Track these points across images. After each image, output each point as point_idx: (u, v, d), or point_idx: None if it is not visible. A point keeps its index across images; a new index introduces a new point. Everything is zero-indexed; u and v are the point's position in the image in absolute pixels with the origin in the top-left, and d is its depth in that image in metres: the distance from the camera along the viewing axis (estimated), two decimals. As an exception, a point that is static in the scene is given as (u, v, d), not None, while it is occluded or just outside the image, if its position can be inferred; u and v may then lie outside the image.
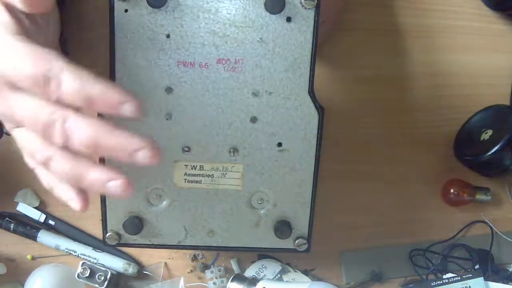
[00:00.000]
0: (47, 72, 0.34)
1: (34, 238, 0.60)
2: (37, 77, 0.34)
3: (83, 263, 0.57)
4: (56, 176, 0.39)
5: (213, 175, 0.48)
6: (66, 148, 0.36)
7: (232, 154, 0.48)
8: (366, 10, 0.61)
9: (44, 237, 0.60)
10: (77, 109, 0.35)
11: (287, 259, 0.62)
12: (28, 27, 0.38)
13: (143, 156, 0.36)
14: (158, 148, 0.36)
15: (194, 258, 0.61)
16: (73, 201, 0.41)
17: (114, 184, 0.37)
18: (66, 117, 0.35)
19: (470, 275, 0.59)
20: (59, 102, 0.35)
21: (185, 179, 0.48)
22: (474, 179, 0.63)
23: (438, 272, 0.62)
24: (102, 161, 0.46)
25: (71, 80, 0.34)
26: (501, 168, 0.60)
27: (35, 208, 0.60)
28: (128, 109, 0.35)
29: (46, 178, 0.41)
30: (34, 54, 0.35)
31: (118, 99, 0.35)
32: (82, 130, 0.35)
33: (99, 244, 0.60)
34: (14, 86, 0.35)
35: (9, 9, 0.37)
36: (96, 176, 0.37)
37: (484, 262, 0.62)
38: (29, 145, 0.38)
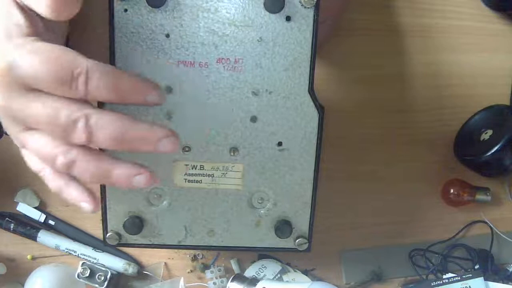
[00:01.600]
0: (73, 71, 0.34)
1: (34, 238, 0.60)
2: (62, 77, 0.34)
3: (83, 263, 0.57)
4: (80, 177, 0.38)
5: (213, 174, 0.48)
6: (87, 147, 0.36)
7: (232, 153, 0.48)
8: (366, 10, 0.61)
9: (44, 237, 0.60)
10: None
11: (287, 259, 0.62)
12: (41, 30, 0.38)
13: (167, 144, 0.36)
14: (177, 136, 0.37)
15: (194, 258, 0.61)
16: (85, 203, 0.40)
17: (140, 177, 0.37)
18: (89, 115, 0.35)
19: (470, 275, 0.59)
20: (80, 101, 0.35)
21: (186, 179, 0.48)
22: (474, 179, 0.63)
23: (438, 272, 0.62)
24: None
25: (100, 76, 0.34)
26: (501, 168, 0.60)
27: (35, 208, 0.60)
28: (155, 95, 0.36)
29: (53, 182, 0.40)
30: (57, 54, 0.34)
31: (146, 88, 0.36)
32: (107, 126, 0.35)
33: (99, 244, 0.60)
34: (30, 88, 0.35)
35: (24, 11, 0.37)
36: (122, 171, 0.37)
37: (484, 262, 0.62)
38: (44, 149, 0.37)
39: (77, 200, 0.40)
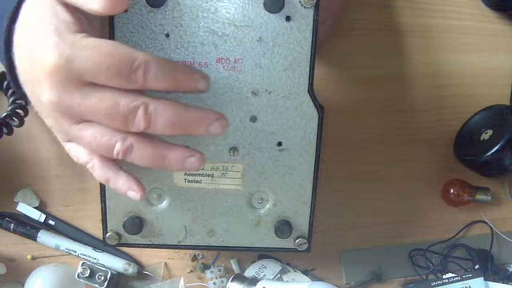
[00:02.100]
0: (132, 63, 0.35)
1: (34, 238, 0.60)
2: (121, 69, 0.35)
3: (83, 263, 0.57)
4: (137, 162, 0.39)
5: (213, 174, 0.48)
6: (141, 134, 0.38)
7: (232, 153, 0.47)
8: (366, 10, 0.61)
9: (44, 237, 0.60)
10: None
11: (287, 259, 0.62)
12: (86, 26, 0.38)
13: (218, 126, 0.39)
14: (226, 120, 0.40)
15: (194, 258, 0.61)
16: (132, 191, 0.42)
17: (192, 159, 0.40)
18: (148, 103, 0.36)
19: (470, 275, 0.59)
20: (135, 91, 0.36)
21: (185, 179, 0.48)
22: (474, 179, 0.63)
23: (438, 272, 0.62)
24: None
25: (158, 67, 0.36)
26: (501, 168, 0.60)
27: (35, 208, 0.60)
28: (204, 83, 0.38)
29: (102, 172, 0.41)
30: (113, 48, 0.35)
31: (198, 76, 0.38)
32: (165, 112, 0.37)
33: (99, 244, 0.60)
34: (86, 82, 0.36)
35: (69, 9, 0.37)
36: (177, 154, 0.39)
37: (484, 262, 0.62)
38: (101, 139, 0.38)
39: (125, 189, 0.42)
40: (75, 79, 0.36)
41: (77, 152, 0.41)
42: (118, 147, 0.38)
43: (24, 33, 0.38)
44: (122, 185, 0.42)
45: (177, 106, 0.38)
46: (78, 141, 0.40)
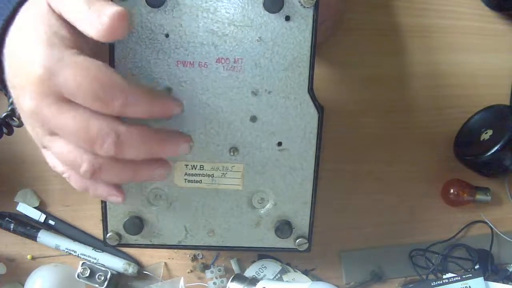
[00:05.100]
0: (113, 91, 0.35)
1: (34, 238, 0.60)
2: (101, 95, 0.35)
3: (83, 263, 0.57)
4: (107, 181, 0.40)
5: (213, 174, 0.48)
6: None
7: (232, 153, 0.47)
8: (366, 10, 0.61)
9: (44, 237, 0.60)
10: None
11: (287, 259, 0.62)
12: (82, 43, 0.38)
13: (187, 147, 0.42)
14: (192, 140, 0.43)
15: (194, 258, 0.61)
16: (113, 196, 0.42)
17: (159, 171, 0.41)
18: (119, 131, 0.36)
19: (470, 275, 0.59)
20: (111, 116, 0.36)
21: (186, 179, 0.48)
22: (474, 179, 0.63)
23: (438, 272, 0.62)
24: None
25: (138, 100, 0.36)
26: (501, 168, 0.60)
27: (35, 208, 0.60)
28: (178, 110, 0.41)
29: (79, 183, 0.42)
30: (99, 71, 0.35)
31: (173, 106, 0.40)
32: (135, 141, 0.37)
33: (99, 244, 0.60)
34: (64, 98, 0.36)
35: (65, 23, 0.37)
36: (145, 170, 0.40)
37: (484, 262, 0.62)
38: (68, 155, 0.38)
39: (105, 195, 0.42)
40: (56, 93, 0.36)
41: (52, 161, 0.42)
42: (84, 167, 0.38)
43: (16, 37, 0.38)
44: (102, 192, 0.42)
45: (149, 134, 0.38)
46: (50, 151, 0.40)
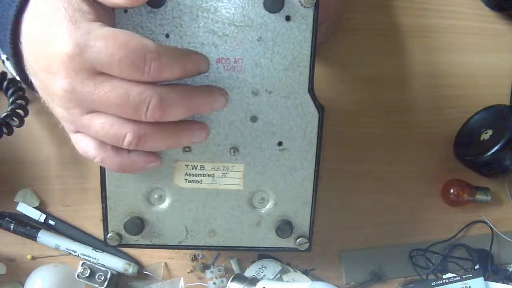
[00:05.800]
0: (146, 55, 0.35)
1: (34, 238, 0.60)
2: (135, 61, 0.35)
3: (83, 263, 0.57)
4: (151, 149, 0.40)
5: (214, 175, 0.48)
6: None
7: (232, 153, 0.47)
8: (366, 10, 0.61)
9: (44, 237, 0.60)
10: None
11: (287, 259, 0.62)
12: (103, 15, 0.38)
13: (224, 101, 0.42)
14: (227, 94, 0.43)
15: (194, 258, 0.61)
16: (152, 163, 0.43)
17: (202, 133, 0.42)
18: (161, 92, 0.36)
19: (470, 275, 0.59)
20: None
21: (186, 179, 0.48)
22: (474, 179, 0.63)
23: (438, 272, 0.62)
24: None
25: (171, 59, 0.36)
26: (501, 168, 0.60)
27: (35, 208, 0.60)
28: (205, 65, 0.40)
29: (114, 160, 0.41)
30: (127, 38, 0.35)
31: (203, 60, 0.40)
32: (177, 101, 0.37)
33: (99, 244, 0.60)
34: (98, 72, 0.36)
35: (87, 0, 0.37)
36: (189, 135, 0.42)
37: (484, 262, 0.62)
38: (111, 129, 0.38)
39: (143, 165, 0.42)
40: (88, 68, 0.35)
41: (85, 145, 0.41)
42: (129, 137, 0.38)
43: (35, 22, 0.38)
44: (140, 162, 0.42)
45: (186, 91, 0.39)
46: (87, 131, 0.39)
